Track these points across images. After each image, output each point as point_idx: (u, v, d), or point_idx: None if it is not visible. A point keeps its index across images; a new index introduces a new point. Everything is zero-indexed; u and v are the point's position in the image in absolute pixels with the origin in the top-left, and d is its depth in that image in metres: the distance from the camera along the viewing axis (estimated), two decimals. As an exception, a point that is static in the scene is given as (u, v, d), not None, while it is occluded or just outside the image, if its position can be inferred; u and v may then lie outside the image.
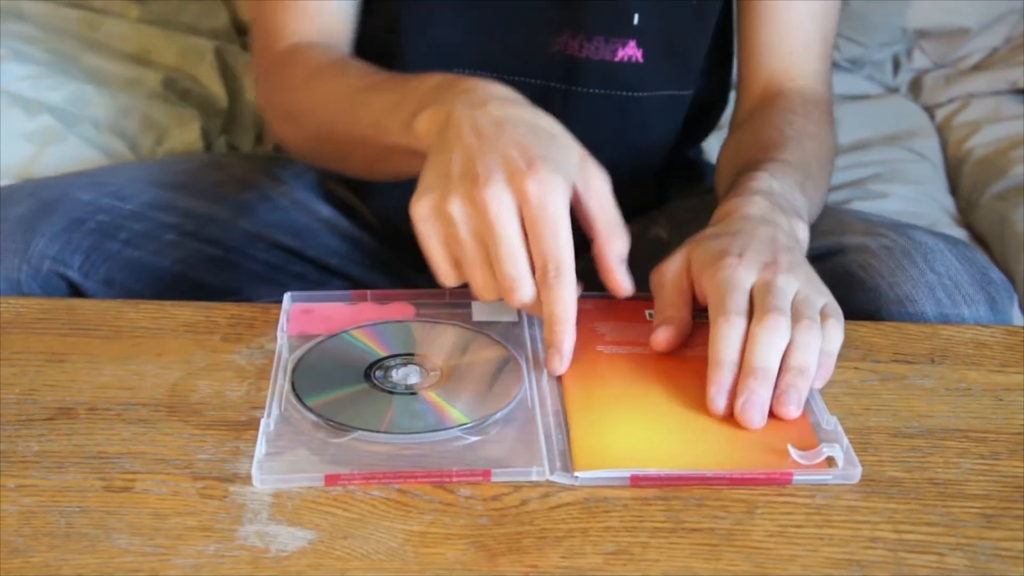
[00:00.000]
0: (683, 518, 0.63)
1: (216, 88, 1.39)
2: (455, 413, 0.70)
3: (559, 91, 0.97)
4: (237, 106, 1.42)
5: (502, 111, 0.72)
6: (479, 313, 0.80)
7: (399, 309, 0.81)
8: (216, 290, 0.98)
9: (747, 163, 0.88)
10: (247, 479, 0.65)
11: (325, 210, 1.05)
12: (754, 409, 0.68)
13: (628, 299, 0.81)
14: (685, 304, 0.75)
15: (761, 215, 0.78)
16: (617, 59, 0.95)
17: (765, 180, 0.83)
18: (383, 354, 0.75)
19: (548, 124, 0.73)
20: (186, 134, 1.32)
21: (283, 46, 0.97)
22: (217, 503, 0.63)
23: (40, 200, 0.93)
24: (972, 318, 0.83)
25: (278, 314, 0.81)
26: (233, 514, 0.63)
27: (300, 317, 0.80)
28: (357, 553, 0.60)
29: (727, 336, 0.69)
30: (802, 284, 0.72)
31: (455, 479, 0.65)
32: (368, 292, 0.82)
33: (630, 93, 0.97)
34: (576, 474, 0.65)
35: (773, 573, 0.59)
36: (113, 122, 1.29)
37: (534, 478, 0.65)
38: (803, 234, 0.81)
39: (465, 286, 0.73)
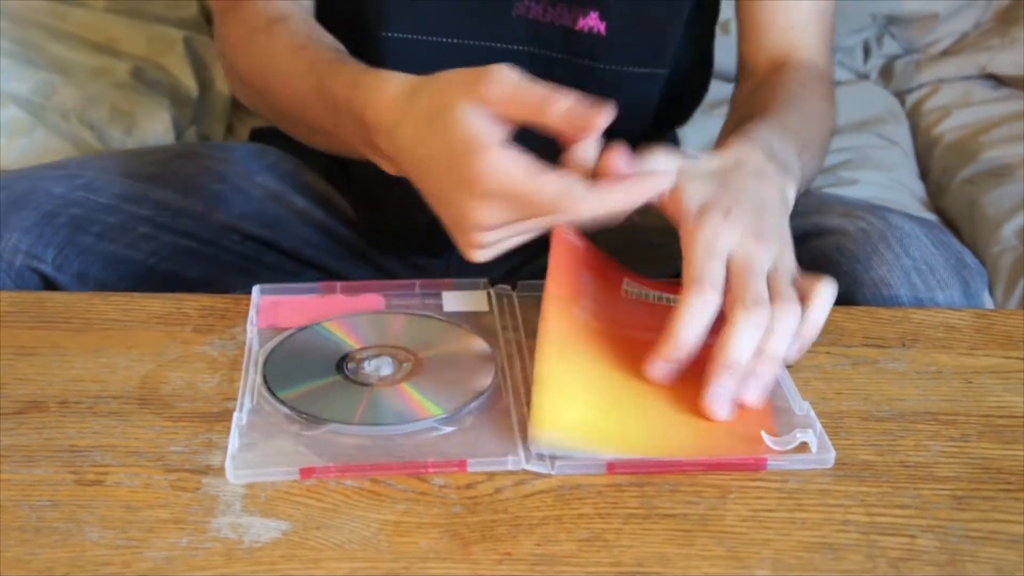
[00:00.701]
0: (656, 504, 0.63)
1: (186, 78, 1.38)
2: (428, 404, 0.69)
3: (524, 54, 0.97)
4: (207, 96, 1.41)
5: (400, 151, 0.70)
6: (450, 303, 0.80)
7: (369, 300, 0.81)
8: (190, 282, 0.98)
9: (751, 117, 0.87)
10: (220, 471, 0.65)
11: (299, 201, 1.05)
12: (723, 404, 0.68)
13: (612, 267, 0.79)
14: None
15: (757, 168, 0.77)
16: (578, 28, 0.95)
17: (766, 136, 0.81)
18: (355, 346, 0.75)
19: (430, 104, 0.68)
20: (156, 124, 1.31)
21: None
22: (190, 495, 0.63)
23: (11, 194, 0.92)
24: (946, 303, 0.84)
25: (250, 305, 0.80)
26: (206, 506, 0.62)
27: (270, 309, 0.79)
28: (331, 543, 0.60)
29: (693, 313, 0.68)
30: (780, 254, 0.71)
31: (431, 470, 0.65)
32: (338, 284, 0.82)
33: (593, 63, 0.97)
34: (549, 454, 0.65)
35: (746, 557, 0.59)
36: (81, 113, 1.28)
37: (510, 467, 0.65)
38: (791, 196, 0.79)
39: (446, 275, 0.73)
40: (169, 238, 0.97)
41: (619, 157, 0.67)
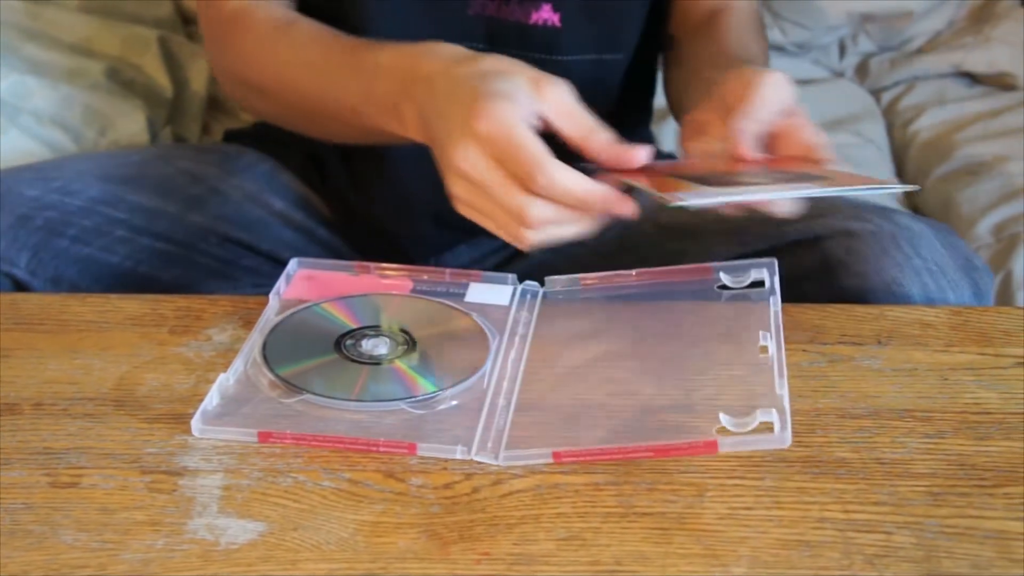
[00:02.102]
0: (634, 503, 0.63)
1: (161, 78, 1.38)
2: (422, 382, 0.71)
3: (482, 52, 0.97)
4: (183, 96, 1.40)
5: (450, 80, 0.74)
6: (474, 294, 0.81)
7: (398, 283, 0.82)
8: (166, 286, 0.97)
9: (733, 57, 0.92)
10: (196, 472, 0.65)
11: (277, 203, 1.05)
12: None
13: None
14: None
15: None
16: (532, 22, 0.95)
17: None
18: (353, 326, 0.76)
19: (494, 64, 0.74)
20: (131, 125, 1.30)
21: (227, 6, 0.94)
22: (166, 497, 0.63)
23: (-16, 197, 0.92)
24: (957, 303, 0.84)
25: (226, 307, 0.80)
26: (182, 507, 0.62)
27: (301, 283, 0.82)
28: (308, 544, 0.60)
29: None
30: None
31: (381, 448, 0.66)
32: (371, 264, 0.84)
33: (547, 56, 0.97)
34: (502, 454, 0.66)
35: (723, 555, 0.59)
36: (56, 114, 1.27)
37: (458, 456, 0.66)
38: None
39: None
40: (145, 241, 0.97)
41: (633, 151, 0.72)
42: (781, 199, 0.73)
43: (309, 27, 0.91)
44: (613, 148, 0.73)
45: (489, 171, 0.69)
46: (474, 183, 0.70)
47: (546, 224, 0.70)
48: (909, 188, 0.73)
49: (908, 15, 1.54)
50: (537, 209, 0.69)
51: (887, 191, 0.68)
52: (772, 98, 0.76)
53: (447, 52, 0.77)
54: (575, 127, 0.73)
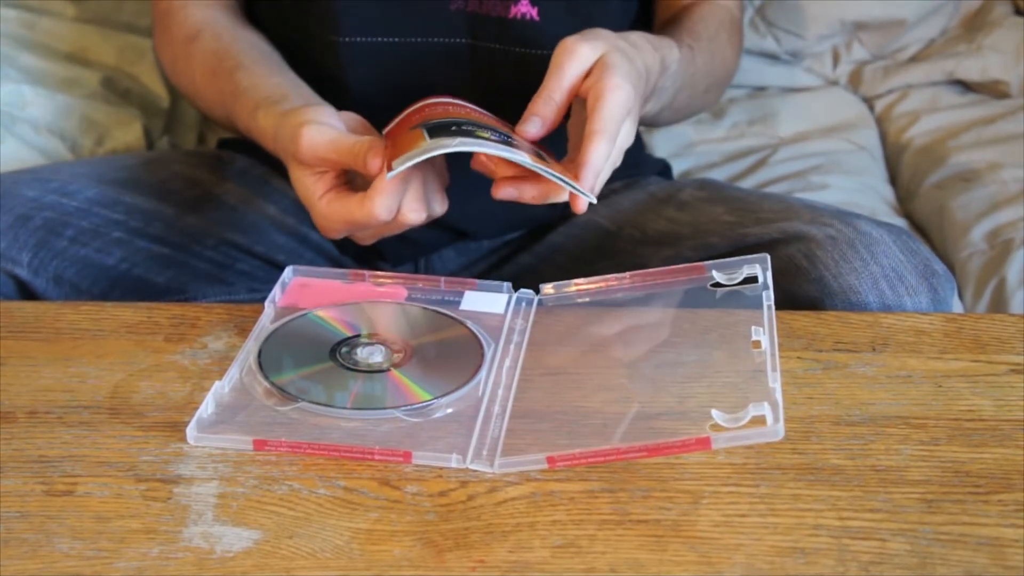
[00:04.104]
0: (629, 510, 0.63)
1: (157, 87, 1.38)
2: (418, 391, 0.71)
3: (464, 47, 0.98)
4: (179, 105, 1.41)
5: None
6: (469, 302, 0.81)
7: (393, 292, 0.82)
8: (161, 289, 0.97)
9: (677, 34, 0.96)
10: (191, 480, 0.65)
11: (270, 207, 1.05)
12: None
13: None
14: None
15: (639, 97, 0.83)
16: (511, 16, 0.96)
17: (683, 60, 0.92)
18: (348, 334, 0.76)
19: (283, 154, 0.84)
20: (127, 134, 1.30)
21: (160, 5, 1.04)
22: (161, 505, 0.63)
23: (-16, 197, 0.93)
24: (914, 310, 0.84)
25: (221, 314, 0.80)
26: (177, 515, 0.62)
27: (296, 291, 0.81)
28: (303, 552, 0.60)
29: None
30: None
31: (377, 457, 0.66)
32: (366, 272, 0.84)
33: (527, 50, 0.97)
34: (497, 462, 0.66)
35: (718, 562, 0.60)
36: (52, 123, 1.27)
37: (453, 464, 0.66)
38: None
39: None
40: (142, 244, 0.97)
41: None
42: (476, 151, 0.76)
43: (203, 50, 0.98)
44: (366, 166, 0.78)
45: (350, 229, 0.81)
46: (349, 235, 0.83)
47: (419, 212, 0.79)
48: (590, 197, 0.76)
49: (901, 23, 1.54)
50: (403, 220, 0.79)
51: (573, 188, 0.75)
52: (561, 70, 0.80)
53: (266, 139, 0.88)
54: (333, 163, 0.80)
